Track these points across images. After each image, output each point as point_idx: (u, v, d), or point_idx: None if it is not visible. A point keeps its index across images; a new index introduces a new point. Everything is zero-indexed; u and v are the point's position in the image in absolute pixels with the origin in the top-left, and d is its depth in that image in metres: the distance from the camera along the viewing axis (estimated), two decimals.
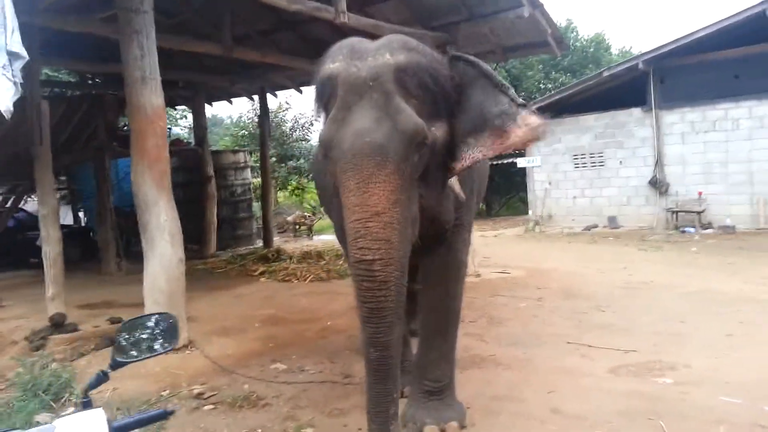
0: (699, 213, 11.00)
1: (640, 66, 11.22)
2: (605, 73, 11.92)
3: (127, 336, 1.53)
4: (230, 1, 6.68)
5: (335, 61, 2.33)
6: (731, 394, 3.32)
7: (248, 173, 13.01)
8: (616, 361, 4.03)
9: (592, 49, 20.78)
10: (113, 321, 5.60)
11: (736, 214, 10.71)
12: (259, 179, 15.56)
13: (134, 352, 1.52)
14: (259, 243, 12.16)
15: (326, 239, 13.54)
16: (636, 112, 11.84)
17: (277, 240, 12.69)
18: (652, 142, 11.63)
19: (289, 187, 20.15)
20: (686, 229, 10.88)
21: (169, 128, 14.23)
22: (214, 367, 4.17)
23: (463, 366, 3.98)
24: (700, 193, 11.11)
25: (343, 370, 4.05)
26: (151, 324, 1.59)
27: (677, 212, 11.32)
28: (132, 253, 10.53)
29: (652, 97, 11.49)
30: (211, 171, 10.94)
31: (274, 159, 18.65)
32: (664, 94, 11.42)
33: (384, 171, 2.13)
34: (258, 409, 3.46)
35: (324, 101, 2.39)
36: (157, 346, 1.55)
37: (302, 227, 15.11)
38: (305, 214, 16.04)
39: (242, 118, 21.74)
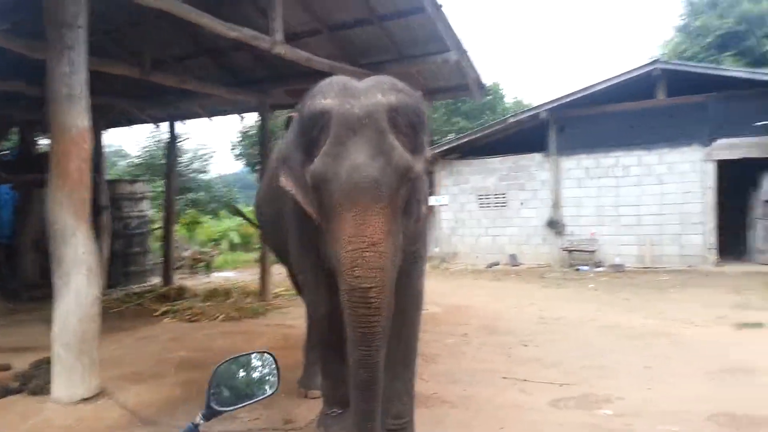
0: (592, 252, 11.78)
1: (542, 114, 12.01)
2: (511, 119, 12.64)
3: (221, 382, 1.31)
4: (151, 23, 6.32)
5: (326, 98, 2.44)
6: (668, 423, 3.47)
7: (146, 205, 12.20)
8: (554, 395, 4.11)
9: (489, 97, 21.98)
10: (2, 368, 4.90)
11: (625, 254, 11.59)
12: (152, 212, 14.71)
13: (232, 399, 1.31)
14: (154, 280, 11.37)
15: (227, 276, 12.97)
16: (537, 156, 12.59)
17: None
18: (551, 185, 12.38)
19: (182, 221, 19.21)
20: (580, 267, 11.60)
21: None
22: (133, 418, 3.73)
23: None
24: (592, 234, 11.93)
25: (282, 416, 3.78)
26: (245, 366, 1.39)
27: (572, 251, 12.05)
28: (7, 291, 9.41)
29: (552, 144, 12.29)
30: (106, 201, 10.14)
31: None
32: (563, 142, 12.26)
33: (379, 204, 2.29)
34: None
35: (313, 135, 2.45)
36: (256, 390, 1.36)
37: (200, 263, 14.37)
38: (205, 249, 15.28)
39: (122, 148, 20.55)
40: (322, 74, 7.25)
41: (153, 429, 3.60)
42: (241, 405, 1.39)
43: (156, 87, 7.76)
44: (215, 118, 10.29)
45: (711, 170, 10.87)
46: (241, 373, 1.43)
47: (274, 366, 1.47)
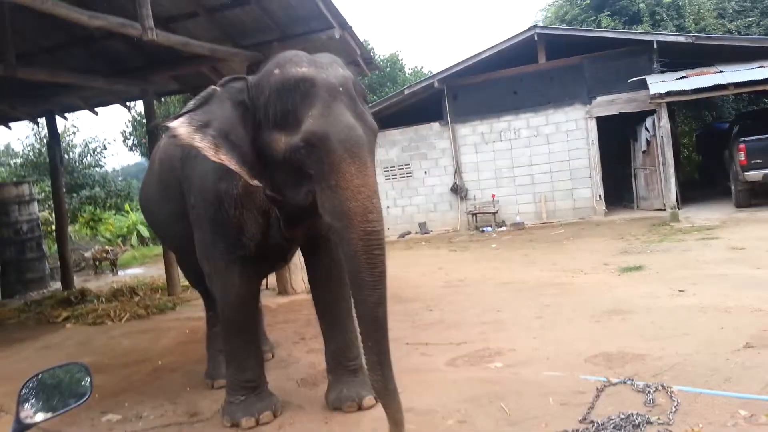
0: (494, 213, 12.35)
1: (436, 84, 12.31)
2: (406, 91, 12.85)
3: (31, 394, 1.32)
4: (11, 14, 5.89)
5: (302, 67, 2.65)
6: (553, 368, 3.77)
7: (35, 207, 11.45)
8: (452, 354, 4.35)
9: (388, 69, 22.11)
10: None
11: (524, 212, 12.24)
12: (46, 213, 13.85)
13: (44, 411, 1.32)
14: (55, 285, 10.81)
15: (134, 273, 12.53)
16: (435, 126, 12.93)
17: (75, 279, 11.38)
18: (450, 152, 12.78)
19: (81, 220, 18.17)
20: (485, 228, 12.14)
21: None
22: (36, 430, 3.61)
23: (314, 382, 3.99)
24: (493, 196, 12.49)
25: (187, 410, 3.79)
26: (57, 377, 1.39)
27: (476, 214, 12.58)
28: None
29: (447, 112, 12.64)
30: None
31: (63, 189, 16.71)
32: (457, 109, 12.64)
33: (371, 158, 2.62)
34: None
35: (293, 101, 2.61)
36: (68, 400, 1.36)
37: (104, 262, 13.73)
38: (107, 247, 14.57)
39: (11, 147, 19.09)
40: (208, 58, 7.11)
41: None
42: (52, 416, 1.41)
43: (27, 82, 7.28)
44: (99, 110, 9.81)
45: (593, 127, 11.62)
46: (53, 385, 1.45)
47: (86, 374, 1.51)
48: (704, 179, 12.70)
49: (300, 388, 3.98)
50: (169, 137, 2.87)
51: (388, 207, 13.55)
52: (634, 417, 2.93)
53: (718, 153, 11.98)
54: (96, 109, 9.91)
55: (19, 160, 18.57)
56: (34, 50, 7.47)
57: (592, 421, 2.97)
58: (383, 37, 62.83)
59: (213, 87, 2.86)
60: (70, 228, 18.49)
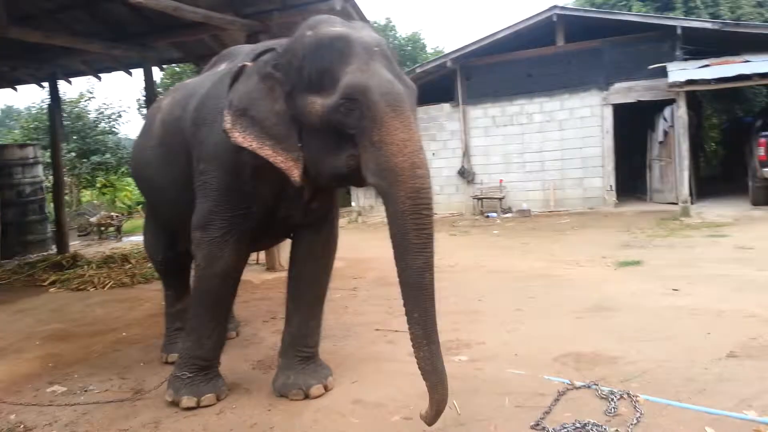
0: (500, 199, 12.03)
1: (448, 64, 11.93)
2: (418, 70, 12.48)
3: None
4: None
5: (335, 26, 2.63)
6: (518, 366, 3.54)
7: (39, 170, 11.42)
8: None
9: (409, 48, 21.69)
10: None
11: (532, 199, 11.89)
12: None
13: None
14: (56, 248, 10.84)
15: (136, 240, 12.49)
16: (446, 107, 12.58)
17: (77, 244, 11.42)
18: (460, 135, 12.43)
19: (97, 185, 18.24)
20: (490, 214, 11.83)
21: None
22: None
23: (270, 365, 3.81)
24: (501, 181, 12.14)
25: (134, 386, 3.65)
26: None
27: (482, 199, 12.26)
28: None
29: (459, 93, 12.27)
30: None
31: (74, 154, 16.78)
32: (470, 91, 12.27)
33: (414, 115, 2.53)
34: None
35: (329, 60, 2.54)
36: None
37: (109, 228, 13.76)
38: (112, 213, 14.60)
39: (31, 110, 19.19)
40: (206, 26, 6.88)
41: None
42: None
43: (27, 44, 7.15)
44: (112, 77, 9.75)
45: (609, 114, 11.16)
46: None
47: None
48: (725, 174, 12.16)
49: (253, 371, 3.82)
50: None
51: None
52: (590, 427, 2.69)
53: (740, 148, 11.46)
54: (102, 75, 9.83)
55: (34, 124, 18.66)
56: (35, 12, 7.33)
57: (543, 428, 2.74)
58: (406, 15, 61.73)
59: (244, 63, 2.84)
60: (86, 193, 18.69)
